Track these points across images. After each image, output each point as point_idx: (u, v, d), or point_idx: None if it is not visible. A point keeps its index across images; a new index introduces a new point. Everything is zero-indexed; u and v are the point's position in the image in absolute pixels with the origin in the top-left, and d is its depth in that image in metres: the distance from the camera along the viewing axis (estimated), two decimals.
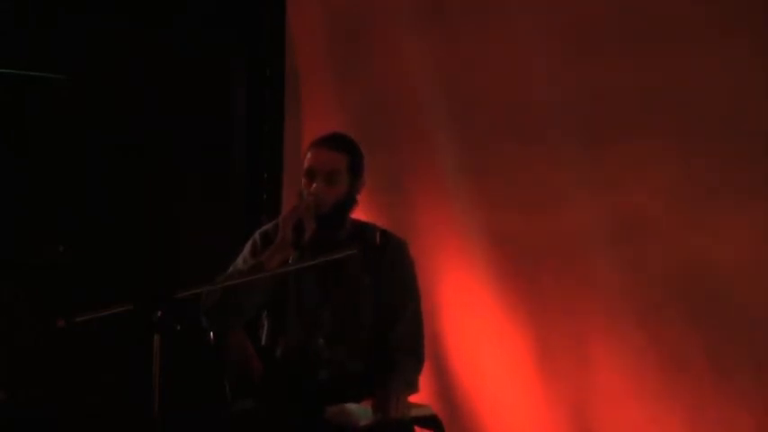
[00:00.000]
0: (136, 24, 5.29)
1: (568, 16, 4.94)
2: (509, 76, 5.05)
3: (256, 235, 3.99)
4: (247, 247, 3.97)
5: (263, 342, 3.98)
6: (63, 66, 4.86)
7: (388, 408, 3.75)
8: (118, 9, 5.24)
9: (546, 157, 4.96)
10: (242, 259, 3.93)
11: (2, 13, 4.90)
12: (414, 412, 3.86)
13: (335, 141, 3.95)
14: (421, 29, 5.26)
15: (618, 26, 4.84)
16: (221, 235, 4.96)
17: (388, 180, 5.23)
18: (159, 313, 3.24)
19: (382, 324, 3.95)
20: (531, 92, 4.98)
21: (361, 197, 4.00)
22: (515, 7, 5.08)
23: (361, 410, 3.76)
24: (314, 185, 3.83)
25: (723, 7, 4.64)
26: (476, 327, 5.05)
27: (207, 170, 5.46)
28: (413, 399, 3.92)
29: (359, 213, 4.03)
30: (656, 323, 4.69)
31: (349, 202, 3.91)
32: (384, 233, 3.72)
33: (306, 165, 3.88)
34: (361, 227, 3.99)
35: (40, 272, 4.85)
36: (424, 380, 4.05)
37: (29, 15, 4.96)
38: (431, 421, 3.90)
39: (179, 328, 3.29)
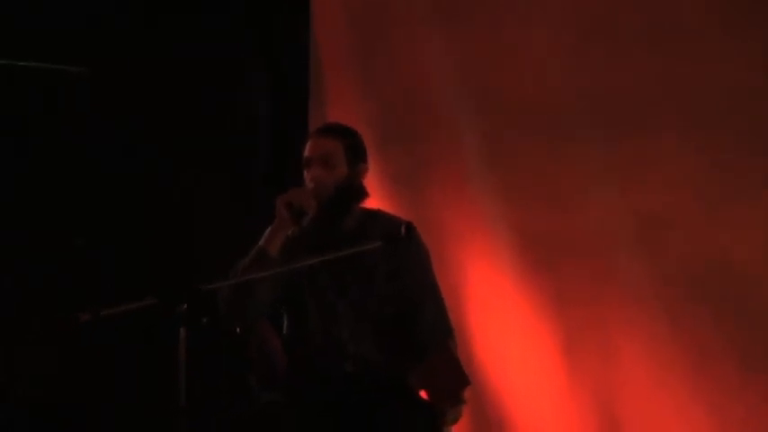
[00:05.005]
0: (160, 19, 5.30)
1: (590, 11, 4.93)
2: (531, 71, 5.05)
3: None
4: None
5: (285, 336, 3.98)
6: (85, 59, 4.87)
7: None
8: (142, 3, 5.26)
9: (569, 151, 4.96)
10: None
11: (23, 7, 4.91)
12: None
13: (328, 129, 3.99)
14: (445, 24, 5.27)
15: (638, 20, 4.84)
16: (246, 230, 4.95)
17: (412, 174, 5.26)
18: (184, 306, 3.23)
19: (408, 313, 3.95)
20: (554, 87, 4.98)
21: (385, 190, 4.01)
22: (537, 2, 5.07)
23: None
24: (312, 171, 3.85)
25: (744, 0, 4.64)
26: (501, 320, 5.05)
27: (231, 165, 5.47)
28: None
29: (384, 205, 4.02)
30: (680, 315, 4.68)
31: (353, 187, 3.91)
32: (408, 225, 3.71)
33: (304, 155, 3.91)
34: (370, 214, 3.99)
35: (58, 265, 4.85)
36: None
37: (50, 8, 4.97)
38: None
39: (205, 321, 3.30)
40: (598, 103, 4.89)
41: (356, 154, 3.94)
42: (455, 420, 3.83)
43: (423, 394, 3.88)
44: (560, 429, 4.92)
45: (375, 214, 4.00)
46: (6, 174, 4.74)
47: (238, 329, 3.91)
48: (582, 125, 4.93)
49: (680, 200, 4.71)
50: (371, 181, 4.06)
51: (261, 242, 3.80)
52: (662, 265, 4.75)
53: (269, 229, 3.82)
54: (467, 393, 3.81)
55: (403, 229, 3.63)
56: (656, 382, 4.72)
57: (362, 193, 3.94)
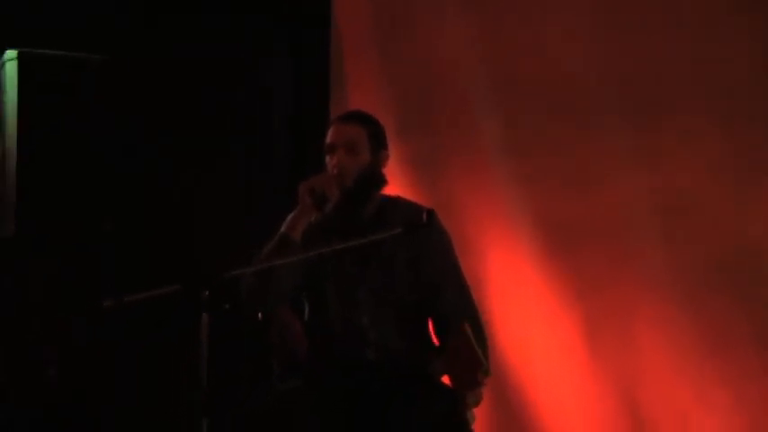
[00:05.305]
0: (179, 4, 5.32)
1: None
2: (552, 55, 5.05)
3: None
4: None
5: (306, 322, 3.99)
6: (105, 47, 4.87)
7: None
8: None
9: (590, 135, 4.96)
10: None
11: (23, 6, 4.92)
12: None
13: (352, 116, 4.00)
14: (466, 10, 5.26)
15: (660, 4, 4.84)
16: (266, 215, 4.97)
17: (433, 159, 5.26)
18: (207, 293, 3.23)
19: (429, 299, 3.95)
20: (575, 72, 4.98)
21: (406, 176, 4.00)
22: None
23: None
24: (335, 158, 3.85)
25: None
26: (521, 305, 5.05)
27: (251, 152, 5.48)
28: None
29: (405, 190, 4.02)
30: (702, 300, 4.69)
31: (375, 174, 3.91)
32: (429, 212, 3.71)
33: (327, 141, 3.90)
34: (391, 201, 3.98)
35: (85, 251, 4.86)
36: None
37: (51, 7, 4.99)
38: None
39: (227, 307, 3.31)
40: (619, 89, 4.90)
41: (379, 141, 3.94)
42: (476, 404, 3.82)
43: (446, 380, 3.89)
44: (581, 414, 4.93)
45: (396, 201, 3.99)
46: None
47: (259, 315, 3.92)
48: (603, 111, 4.93)
49: (701, 185, 4.71)
50: (392, 167, 4.06)
51: (283, 228, 3.80)
52: (683, 250, 4.76)
53: (291, 215, 3.83)
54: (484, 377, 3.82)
55: (424, 216, 3.63)
56: (678, 366, 4.73)
57: (383, 181, 3.95)
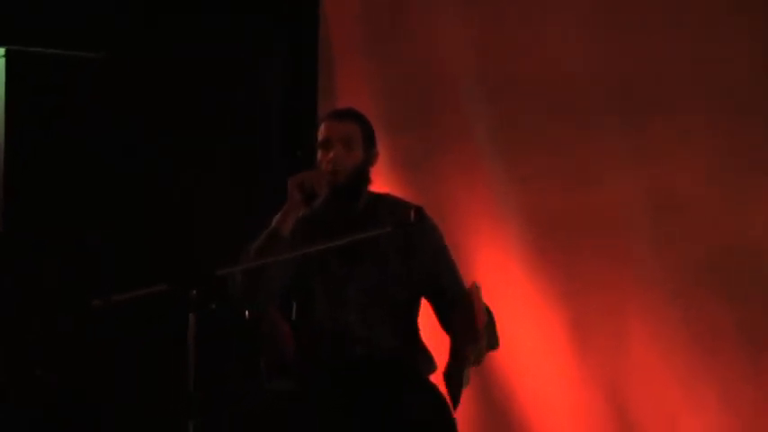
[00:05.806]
0: (179, 4, 5.32)
1: None
2: (546, 53, 5.05)
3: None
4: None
5: (294, 322, 3.97)
6: (100, 45, 4.88)
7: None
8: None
9: (589, 135, 4.96)
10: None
11: (23, 5, 4.93)
12: None
13: (347, 113, 3.98)
14: (459, 8, 5.25)
15: (656, 4, 4.84)
16: (266, 215, 4.97)
17: (424, 157, 5.25)
18: (194, 293, 3.22)
19: (429, 291, 3.94)
20: (570, 68, 4.98)
21: (398, 174, 3.99)
22: None
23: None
24: (332, 153, 3.84)
25: None
26: (511, 305, 5.01)
27: (241, 150, 5.49)
28: None
29: (397, 189, 4.01)
30: (692, 300, 4.68)
31: (366, 171, 3.90)
32: (417, 209, 3.70)
33: (320, 137, 3.89)
34: (380, 198, 3.98)
35: (78, 252, 4.86)
36: None
37: (52, 6, 5.00)
38: None
39: (214, 307, 3.29)
40: (615, 87, 4.90)
41: (371, 140, 3.95)
42: (477, 361, 3.73)
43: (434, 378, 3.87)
44: (569, 415, 4.93)
45: (384, 198, 3.99)
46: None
47: (247, 314, 3.91)
48: (603, 111, 4.93)
49: (701, 185, 4.70)
50: (387, 166, 4.07)
51: (273, 224, 3.80)
52: (676, 249, 4.75)
53: (281, 211, 3.82)
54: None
55: (413, 214, 3.62)
56: (667, 365, 4.73)
57: (370, 179, 3.94)
